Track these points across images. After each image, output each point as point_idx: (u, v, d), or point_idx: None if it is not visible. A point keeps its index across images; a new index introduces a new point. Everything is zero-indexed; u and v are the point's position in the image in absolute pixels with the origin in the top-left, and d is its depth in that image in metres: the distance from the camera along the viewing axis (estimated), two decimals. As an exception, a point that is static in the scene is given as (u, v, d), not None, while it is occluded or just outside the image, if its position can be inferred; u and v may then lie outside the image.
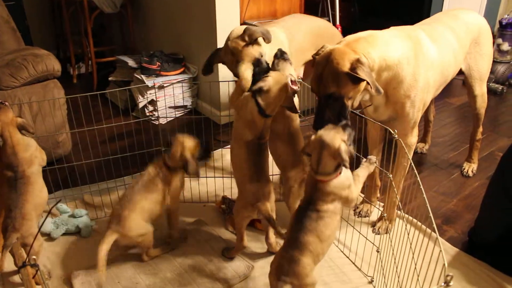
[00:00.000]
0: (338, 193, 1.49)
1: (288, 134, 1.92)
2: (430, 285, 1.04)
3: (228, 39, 2.07)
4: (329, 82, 1.60)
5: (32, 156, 1.80)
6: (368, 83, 1.57)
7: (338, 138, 1.44)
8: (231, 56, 1.98)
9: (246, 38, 1.96)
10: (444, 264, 1.03)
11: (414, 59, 1.78)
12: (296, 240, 1.48)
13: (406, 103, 1.82)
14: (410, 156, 1.94)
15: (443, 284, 0.98)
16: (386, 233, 2.08)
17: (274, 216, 1.81)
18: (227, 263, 1.94)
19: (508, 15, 4.28)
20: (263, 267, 1.91)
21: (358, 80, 1.58)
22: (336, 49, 1.61)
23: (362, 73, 1.56)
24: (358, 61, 1.57)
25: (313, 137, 1.49)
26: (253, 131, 1.76)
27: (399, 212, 2.17)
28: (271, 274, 1.53)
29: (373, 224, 2.19)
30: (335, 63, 1.58)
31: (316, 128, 1.63)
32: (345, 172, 1.50)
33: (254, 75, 1.83)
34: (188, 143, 1.91)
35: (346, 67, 1.56)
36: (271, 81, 1.72)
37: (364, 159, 1.67)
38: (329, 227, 1.50)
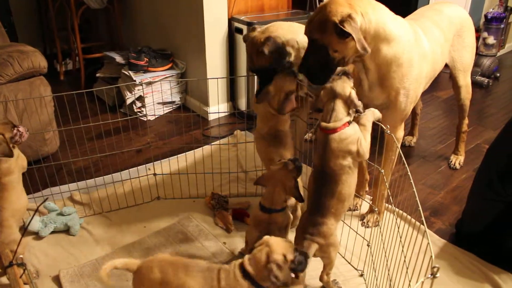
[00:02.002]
0: (348, 148, 1.52)
1: (274, 136, 1.91)
2: (418, 277, 1.05)
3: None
4: (315, 27, 1.59)
5: (11, 165, 1.75)
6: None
7: (347, 86, 1.54)
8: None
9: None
10: (431, 256, 1.04)
11: (414, 45, 1.79)
12: (319, 205, 1.55)
13: (401, 91, 1.80)
14: (397, 150, 1.95)
15: (430, 275, 0.99)
16: (375, 226, 2.10)
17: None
18: (217, 259, 1.95)
19: (493, 9, 4.32)
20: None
21: (343, 34, 1.56)
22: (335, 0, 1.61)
23: (349, 27, 1.53)
24: (349, 16, 1.55)
25: (322, 91, 1.58)
26: (257, 224, 1.71)
27: (389, 205, 2.19)
28: (297, 238, 1.59)
29: (362, 218, 2.21)
30: (327, 11, 1.56)
31: (300, 71, 1.71)
32: (354, 126, 1.55)
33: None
34: (278, 247, 1.40)
35: (335, 17, 1.55)
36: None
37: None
38: (347, 184, 1.55)
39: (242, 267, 1.39)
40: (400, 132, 1.97)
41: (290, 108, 1.80)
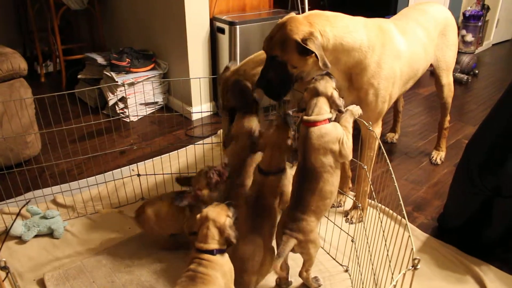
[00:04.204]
0: (329, 146, 1.54)
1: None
2: (400, 269, 1.07)
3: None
4: (276, 44, 1.63)
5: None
6: (316, 57, 1.59)
7: (329, 86, 1.58)
8: None
9: None
10: (412, 249, 1.06)
11: (380, 47, 1.81)
12: (299, 201, 1.57)
13: (370, 91, 1.84)
14: (375, 147, 1.99)
15: (411, 267, 1.01)
16: (359, 222, 2.13)
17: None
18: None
19: (470, 7, 4.40)
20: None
21: (305, 52, 1.60)
22: (295, 17, 1.64)
23: (312, 44, 1.58)
24: (311, 33, 1.59)
25: (305, 94, 1.61)
26: (253, 186, 1.76)
27: (372, 201, 2.22)
28: (278, 232, 1.62)
29: (346, 214, 2.23)
30: (288, 29, 1.60)
31: (257, 85, 1.73)
32: (335, 125, 1.58)
33: None
34: (216, 209, 1.53)
35: (297, 35, 1.59)
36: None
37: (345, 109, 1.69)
38: (329, 183, 1.57)
39: (204, 251, 1.47)
40: (377, 130, 1.99)
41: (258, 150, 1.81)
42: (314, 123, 1.55)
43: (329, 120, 1.57)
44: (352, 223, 2.16)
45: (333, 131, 1.55)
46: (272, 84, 1.69)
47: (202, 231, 1.49)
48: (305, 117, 1.57)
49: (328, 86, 1.59)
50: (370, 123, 1.71)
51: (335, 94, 1.58)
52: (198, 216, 1.52)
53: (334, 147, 1.55)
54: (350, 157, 1.59)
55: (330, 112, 1.58)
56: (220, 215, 1.50)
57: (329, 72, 1.64)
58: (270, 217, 1.68)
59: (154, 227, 1.90)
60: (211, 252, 1.47)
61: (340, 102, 1.58)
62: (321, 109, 1.56)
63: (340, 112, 1.60)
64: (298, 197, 1.58)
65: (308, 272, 1.74)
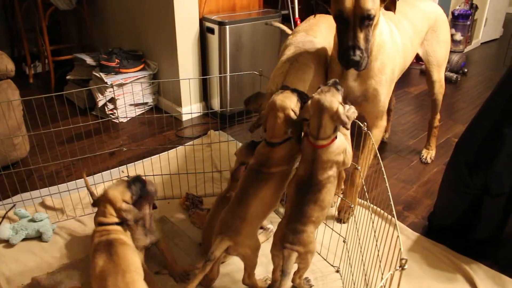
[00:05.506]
0: (335, 159, 1.52)
1: None
2: (390, 269, 1.07)
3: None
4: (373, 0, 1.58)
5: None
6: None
7: (335, 101, 1.45)
8: None
9: None
10: (400, 249, 1.06)
11: (390, 40, 1.86)
12: (300, 213, 1.52)
13: (379, 81, 1.85)
14: (380, 138, 2.06)
15: (398, 267, 1.01)
16: (350, 216, 2.12)
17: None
18: (191, 260, 1.94)
19: (459, 6, 4.43)
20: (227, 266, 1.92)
21: None
22: None
23: None
24: None
25: (309, 101, 1.50)
26: (257, 156, 1.65)
27: (364, 202, 2.22)
28: (275, 245, 1.57)
29: (337, 213, 2.23)
30: None
31: (347, 62, 1.61)
32: (340, 136, 1.54)
33: None
34: (114, 193, 1.64)
35: None
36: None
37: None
38: (330, 192, 1.55)
39: (106, 224, 1.61)
40: (383, 122, 2.03)
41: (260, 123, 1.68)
42: (322, 146, 1.50)
43: (336, 137, 1.51)
44: (344, 223, 2.15)
45: (339, 145, 1.52)
46: (354, 49, 1.61)
47: (101, 207, 1.63)
48: (312, 140, 1.51)
49: (334, 100, 1.45)
50: (365, 124, 1.71)
51: (341, 110, 1.44)
52: (101, 192, 1.65)
53: (339, 158, 1.53)
54: (350, 164, 1.59)
55: (335, 129, 1.49)
56: (116, 199, 1.62)
57: (337, 82, 1.54)
58: (269, 183, 1.59)
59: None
60: (112, 224, 1.60)
61: (345, 118, 1.45)
62: (327, 129, 1.47)
63: (345, 128, 1.50)
64: (298, 210, 1.53)
65: (301, 278, 1.73)
